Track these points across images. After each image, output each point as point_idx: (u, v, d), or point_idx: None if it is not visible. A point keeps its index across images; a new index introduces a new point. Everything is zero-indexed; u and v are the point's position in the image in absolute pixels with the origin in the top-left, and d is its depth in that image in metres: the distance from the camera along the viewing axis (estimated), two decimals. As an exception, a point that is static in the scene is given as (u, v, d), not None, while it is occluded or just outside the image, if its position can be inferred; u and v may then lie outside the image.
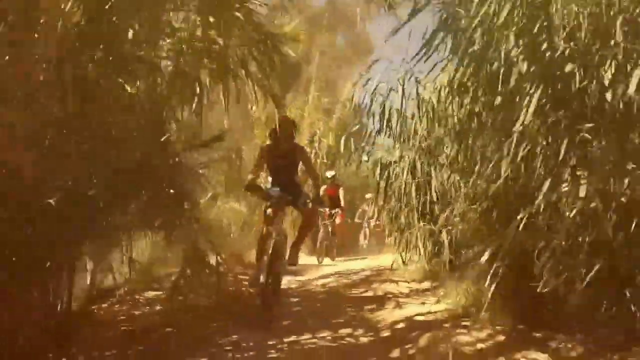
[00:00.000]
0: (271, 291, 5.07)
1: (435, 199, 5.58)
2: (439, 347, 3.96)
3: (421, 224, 5.80)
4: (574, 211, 2.78)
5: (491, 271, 3.83)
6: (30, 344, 3.40)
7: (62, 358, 3.65)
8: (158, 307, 5.28)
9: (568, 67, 2.87)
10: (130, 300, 5.46)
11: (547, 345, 3.75)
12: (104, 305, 4.82)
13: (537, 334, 3.92)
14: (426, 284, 6.03)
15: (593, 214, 2.81)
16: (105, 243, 4.25)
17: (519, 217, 3.29)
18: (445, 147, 5.13)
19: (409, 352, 3.98)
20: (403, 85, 5.17)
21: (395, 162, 5.98)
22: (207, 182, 5.64)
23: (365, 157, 6.57)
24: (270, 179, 5.79)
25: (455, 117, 4.39)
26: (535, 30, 3.09)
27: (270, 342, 4.21)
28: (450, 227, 5.15)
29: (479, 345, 3.94)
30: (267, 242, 5.15)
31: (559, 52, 3.00)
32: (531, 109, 2.89)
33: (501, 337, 4.01)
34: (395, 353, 3.96)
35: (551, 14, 3.01)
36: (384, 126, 5.86)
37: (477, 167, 3.89)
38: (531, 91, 3.02)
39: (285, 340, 4.28)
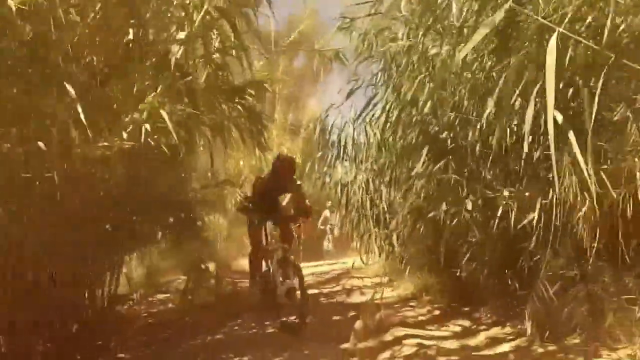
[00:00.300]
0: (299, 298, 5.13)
1: (385, 209, 7.02)
2: (391, 320, 5.39)
3: (376, 229, 7.28)
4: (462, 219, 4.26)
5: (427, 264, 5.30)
6: (82, 335, 4.65)
7: (107, 344, 4.93)
8: (170, 305, 6.62)
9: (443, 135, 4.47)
10: (144, 302, 6.79)
11: (471, 316, 4.90)
12: (125, 307, 6.14)
13: (465, 309, 5.10)
14: (384, 279, 7.49)
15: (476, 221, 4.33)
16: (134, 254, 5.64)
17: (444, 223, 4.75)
18: (388, 170, 6.54)
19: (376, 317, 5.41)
20: (354, 124, 6.68)
21: (351, 181, 7.40)
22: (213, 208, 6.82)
23: (327, 179, 7.85)
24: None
25: (392, 149, 5.88)
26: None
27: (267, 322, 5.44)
28: (398, 231, 6.63)
29: (420, 318, 5.27)
30: (258, 257, 5.52)
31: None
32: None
33: (437, 312, 5.32)
34: (358, 325, 5.40)
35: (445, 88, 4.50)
36: (342, 152, 7.35)
37: (406, 186, 5.41)
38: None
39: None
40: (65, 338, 4.23)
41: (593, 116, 2.49)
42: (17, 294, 3.69)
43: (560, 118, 2.49)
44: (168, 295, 6.95)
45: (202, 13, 3.85)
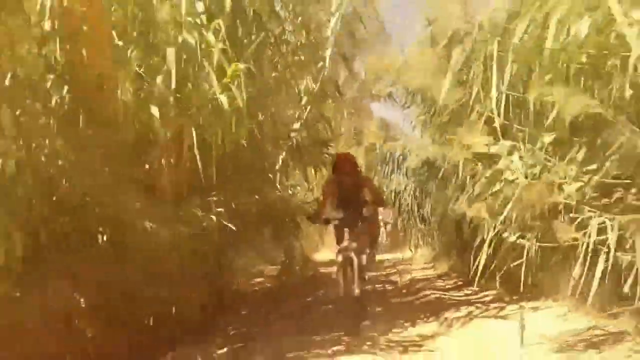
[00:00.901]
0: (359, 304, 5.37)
1: (428, 212, 9.28)
2: (427, 285, 7.69)
3: (421, 226, 9.64)
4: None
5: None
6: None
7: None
8: (267, 285, 9.05)
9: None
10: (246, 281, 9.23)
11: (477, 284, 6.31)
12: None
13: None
14: (429, 265, 9.87)
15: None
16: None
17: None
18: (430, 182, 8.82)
19: (416, 287, 7.72)
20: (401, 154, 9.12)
21: (403, 190, 9.77)
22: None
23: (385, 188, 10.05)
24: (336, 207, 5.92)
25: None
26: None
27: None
28: (437, 228, 8.98)
29: (446, 285, 7.60)
30: (338, 261, 5.47)
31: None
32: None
33: (460, 282, 7.62)
34: (409, 287, 7.73)
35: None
36: (396, 168, 9.77)
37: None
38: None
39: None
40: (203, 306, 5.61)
41: None
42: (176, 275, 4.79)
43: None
44: (262, 279, 9.43)
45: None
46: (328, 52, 6.44)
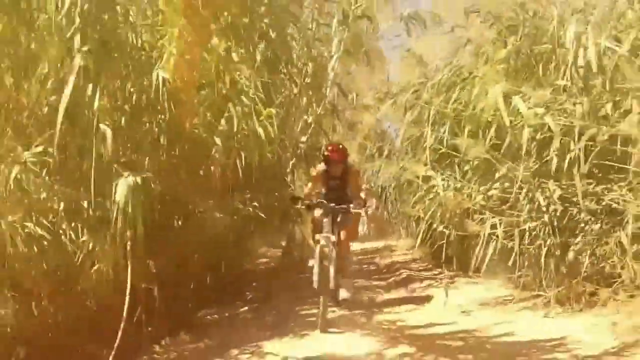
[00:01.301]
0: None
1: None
2: (403, 266, 9.45)
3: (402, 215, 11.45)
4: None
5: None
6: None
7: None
8: (272, 264, 10.81)
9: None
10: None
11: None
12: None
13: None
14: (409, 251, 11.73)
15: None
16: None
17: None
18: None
19: (394, 267, 9.47)
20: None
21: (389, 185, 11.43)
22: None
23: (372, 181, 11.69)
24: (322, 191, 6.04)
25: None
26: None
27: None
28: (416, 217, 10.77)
29: (419, 267, 9.25)
30: (315, 248, 5.49)
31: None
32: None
33: (430, 266, 9.38)
34: (389, 268, 9.53)
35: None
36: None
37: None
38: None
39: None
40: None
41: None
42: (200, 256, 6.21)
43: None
44: (267, 259, 11.21)
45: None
46: (329, 87, 8.21)
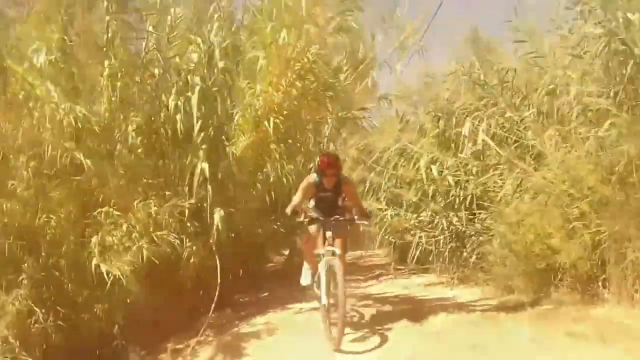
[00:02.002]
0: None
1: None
2: (378, 267, 12.76)
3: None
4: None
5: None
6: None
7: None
8: (278, 267, 14.00)
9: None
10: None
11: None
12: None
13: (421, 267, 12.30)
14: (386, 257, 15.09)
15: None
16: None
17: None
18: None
19: (373, 271, 12.79)
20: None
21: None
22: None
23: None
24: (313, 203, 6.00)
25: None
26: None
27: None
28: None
29: (392, 267, 12.75)
30: (315, 263, 5.85)
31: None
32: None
33: (400, 267, 12.75)
34: (367, 270, 12.86)
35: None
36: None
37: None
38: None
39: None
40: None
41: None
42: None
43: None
44: (275, 263, 14.45)
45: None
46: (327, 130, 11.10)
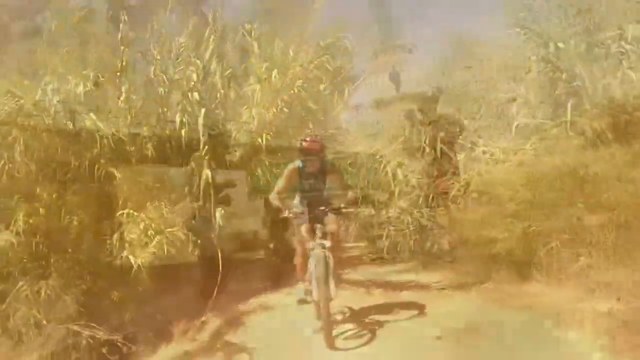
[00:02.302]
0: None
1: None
2: (357, 257, 14.07)
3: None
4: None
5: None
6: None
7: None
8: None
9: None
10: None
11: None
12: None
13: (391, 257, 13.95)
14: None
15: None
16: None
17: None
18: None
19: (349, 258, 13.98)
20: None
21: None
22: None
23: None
24: (298, 197, 5.89)
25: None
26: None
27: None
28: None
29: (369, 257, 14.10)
30: (305, 259, 5.67)
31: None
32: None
33: (373, 256, 14.14)
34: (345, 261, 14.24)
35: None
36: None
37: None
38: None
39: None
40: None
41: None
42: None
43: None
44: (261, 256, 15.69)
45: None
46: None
